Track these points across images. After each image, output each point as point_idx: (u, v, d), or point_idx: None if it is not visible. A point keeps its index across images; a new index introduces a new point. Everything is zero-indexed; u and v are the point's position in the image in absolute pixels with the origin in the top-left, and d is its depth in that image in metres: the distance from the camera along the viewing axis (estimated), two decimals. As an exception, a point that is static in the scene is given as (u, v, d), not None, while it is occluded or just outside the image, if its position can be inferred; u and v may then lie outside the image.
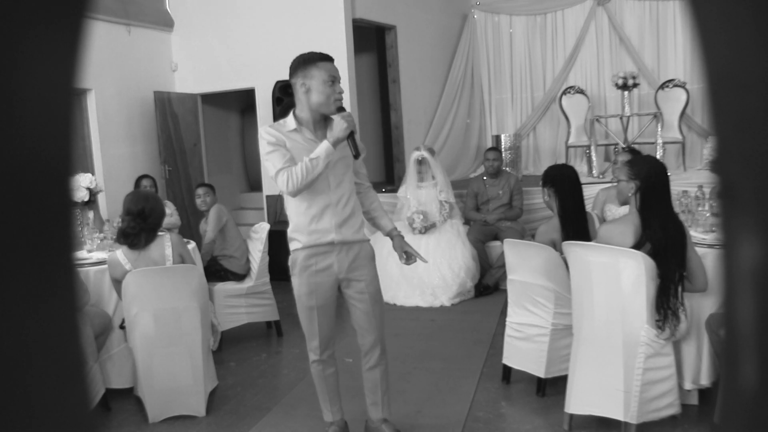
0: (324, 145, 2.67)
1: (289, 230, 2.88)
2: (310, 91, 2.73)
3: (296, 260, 2.85)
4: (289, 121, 2.80)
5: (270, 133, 2.75)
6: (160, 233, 3.60)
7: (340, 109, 2.73)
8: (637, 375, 2.83)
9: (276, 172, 2.69)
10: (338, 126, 2.67)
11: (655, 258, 2.80)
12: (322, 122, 2.83)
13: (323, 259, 2.82)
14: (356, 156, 2.76)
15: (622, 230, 2.91)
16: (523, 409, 3.43)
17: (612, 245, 2.90)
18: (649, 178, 2.89)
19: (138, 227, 3.45)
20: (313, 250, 2.81)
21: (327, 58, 2.75)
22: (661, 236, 2.83)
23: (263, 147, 2.75)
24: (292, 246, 2.87)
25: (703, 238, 3.47)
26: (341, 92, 2.75)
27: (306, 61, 2.74)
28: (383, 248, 5.54)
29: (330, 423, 3.07)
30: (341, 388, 3.13)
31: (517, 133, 8.55)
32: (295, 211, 2.82)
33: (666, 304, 2.84)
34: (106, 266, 3.67)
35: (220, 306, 4.62)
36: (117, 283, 3.48)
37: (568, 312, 3.23)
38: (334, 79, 2.72)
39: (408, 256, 3.01)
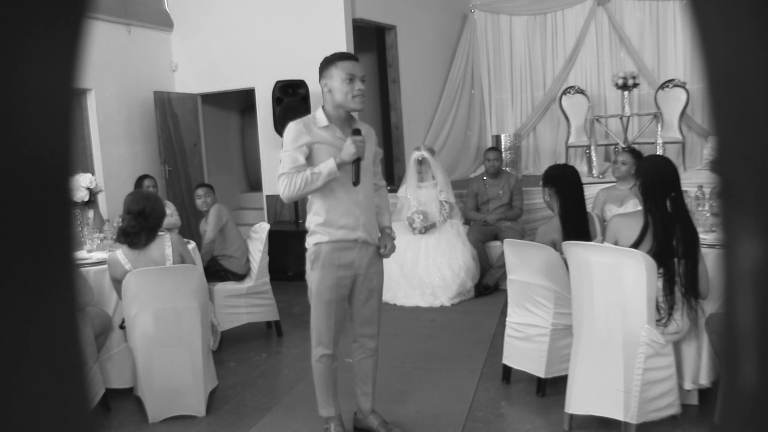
0: (329, 164, 2.72)
1: (312, 224, 2.90)
2: (332, 91, 2.82)
3: (319, 253, 2.87)
4: (320, 117, 2.86)
5: (299, 131, 2.80)
6: (160, 233, 3.60)
7: (356, 132, 2.79)
8: (637, 375, 2.83)
9: (280, 174, 2.76)
10: (347, 150, 2.75)
11: (658, 255, 2.82)
12: (347, 121, 2.91)
13: (347, 255, 2.89)
14: (355, 183, 2.79)
15: (631, 224, 2.96)
16: (523, 409, 3.43)
17: (619, 237, 2.95)
18: (646, 175, 2.95)
19: (138, 226, 3.46)
20: (338, 245, 2.87)
21: (346, 57, 2.84)
22: (662, 234, 2.85)
23: (285, 142, 2.82)
24: (314, 239, 2.89)
25: (703, 238, 3.46)
26: (360, 89, 2.79)
27: (327, 62, 2.85)
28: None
29: (330, 418, 3.09)
30: (340, 387, 3.16)
31: (517, 133, 8.55)
32: (324, 207, 2.86)
33: (671, 296, 2.85)
34: (106, 266, 3.67)
35: (220, 306, 4.62)
36: (117, 283, 3.49)
37: (568, 312, 3.23)
38: (352, 77, 2.78)
39: (387, 248, 3.04)
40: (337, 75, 2.78)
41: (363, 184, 2.87)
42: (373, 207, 2.97)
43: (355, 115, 3.01)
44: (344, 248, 2.87)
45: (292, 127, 2.83)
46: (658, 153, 6.85)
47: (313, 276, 2.89)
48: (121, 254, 3.49)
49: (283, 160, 2.79)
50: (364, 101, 2.85)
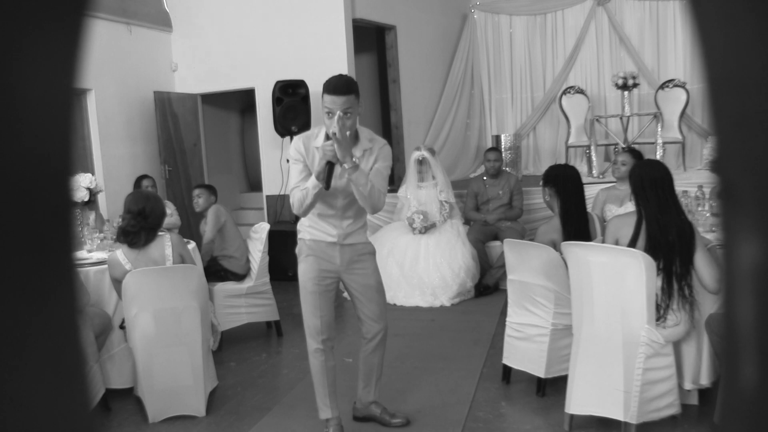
0: (311, 180, 2.80)
1: (299, 224, 3.11)
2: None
3: (302, 247, 3.06)
4: (321, 136, 2.90)
5: (297, 148, 2.94)
6: (160, 233, 3.60)
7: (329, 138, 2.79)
8: (637, 375, 2.83)
9: (291, 189, 2.92)
10: (317, 158, 2.83)
11: (653, 248, 2.84)
12: (351, 140, 2.84)
13: (327, 249, 3.02)
14: (326, 187, 2.77)
15: (630, 222, 2.98)
16: (523, 409, 3.43)
17: (620, 236, 2.97)
18: (636, 176, 3.00)
19: (138, 225, 3.47)
20: (319, 242, 3.03)
21: (328, 90, 2.79)
22: (656, 227, 2.87)
23: (290, 156, 3.02)
24: (299, 236, 3.09)
25: (702, 237, 3.47)
26: (336, 128, 2.71)
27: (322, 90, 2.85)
28: (383, 248, 5.55)
29: (328, 420, 3.09)
30: (339, 387, 3.17)
31: (517, 133, 8.55)
32: (309, 217, 3.04)
33: (669, 289, 2.86)
34: (106, 266, 3.67)
35: (220, 306, 4.62)
36: (117, 283, 3.49)
37: (568, 312, 3.23)
38: (329, 111, 2.77)
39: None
40: (324, 106, 2.81)
41: (348, 207, 2.97)
42: (357, 226, 3.05)
43: (365, 133, 2.98)
44: (325, 244, 3.02)
45: (293, 143, 2.98)
46: (657, 154, 6.85)
47: (299, 269, 3.06)
48: (121, 254, 3.49)
49: (291, 173, 2.98)
50: (344, 132, 2.73)
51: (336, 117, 2.70)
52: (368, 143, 2.95)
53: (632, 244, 2.92)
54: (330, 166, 2.74)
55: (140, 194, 3.77)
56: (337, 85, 2.77)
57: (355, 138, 2.91)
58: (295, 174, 2.90)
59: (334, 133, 2.70)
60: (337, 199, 2.95)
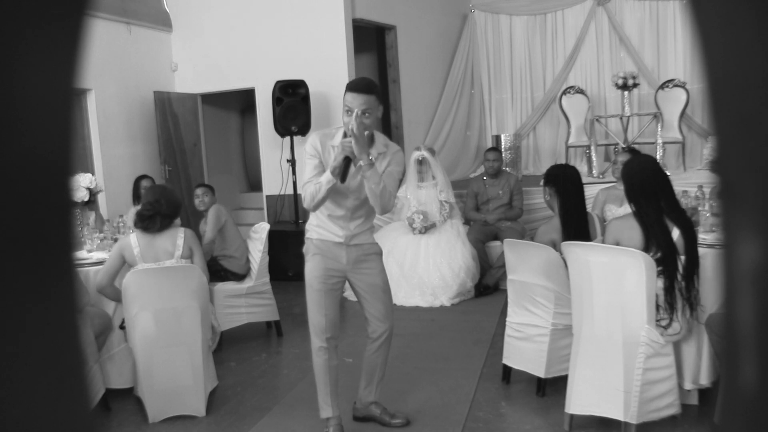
0: (326, 173, 2.83)
1: (307, 223, 3.15)
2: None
3: (309, 246, 3.08)
4: (338, 136, 2.94)
5: (313, 144, 2.97)
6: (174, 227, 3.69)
7: (346, 135, 2.86)
8: (637, 375, 2.83)
9: (304, 184, 2.94)
10: (335, 153, 2.86)
11: (663, 260, 2.82)
12: (368, 141, 2.90)
13: (334, 248, 3.05)
14: (342, 181, 2.83)
15: (632, 224, 2.94)
16: (523, 409, 3.43)
17: (621, 239, 2.94)
18: (628, 184, 2.95)
19: (153, 210, 3.58)
20: (326, 242, 3.06)
21: (350, 88, 2.85)
22: (662, 238, 2.84)
23: (305, 152, 3.03)
24: (307, 235, 3.12)
25: (703, 238, 3.46)
26: (354, 125, 2.75)
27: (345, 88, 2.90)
28: (383, 248, 5.54)
29: (328, 419, 3.10)
30: (340, 387, 3.16)
31: (517, 133, 8.55)
32: (318, 216, 3.07)
33: (674, 298, 2.85)
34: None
35: (220, 306, 4.62)
36: (114, 265, 3.57)
37: (568, 312, 3.23)
38: (349, 110, 2.81)
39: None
40: (344, 104, 2.86)
41: (359, 207, 2.99)
42: (365, 227, 3.08)
43: (381, 138, 3.01)
44: (331, 244, 3.04)
45: (310, 139, 3.01)
46: (657, 153, 6.84)
47: (306, 267, 3.07)
48: (134, 238, 3.59)
49: (305, 168, 2.99)
50: (361, 129, 2.76)
51: (354, 114, 2.75)
52: (383, 147, 2.99)
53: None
54: (347, 161, 2.79)
55: (156, 187, 4.06)
56: (359, 84, 2.85)
57: (371, 141, 2.95)
58: (309, 169, 2.94)
59: (352, 129, 2.74)
60: (347, 199, 2.97)
